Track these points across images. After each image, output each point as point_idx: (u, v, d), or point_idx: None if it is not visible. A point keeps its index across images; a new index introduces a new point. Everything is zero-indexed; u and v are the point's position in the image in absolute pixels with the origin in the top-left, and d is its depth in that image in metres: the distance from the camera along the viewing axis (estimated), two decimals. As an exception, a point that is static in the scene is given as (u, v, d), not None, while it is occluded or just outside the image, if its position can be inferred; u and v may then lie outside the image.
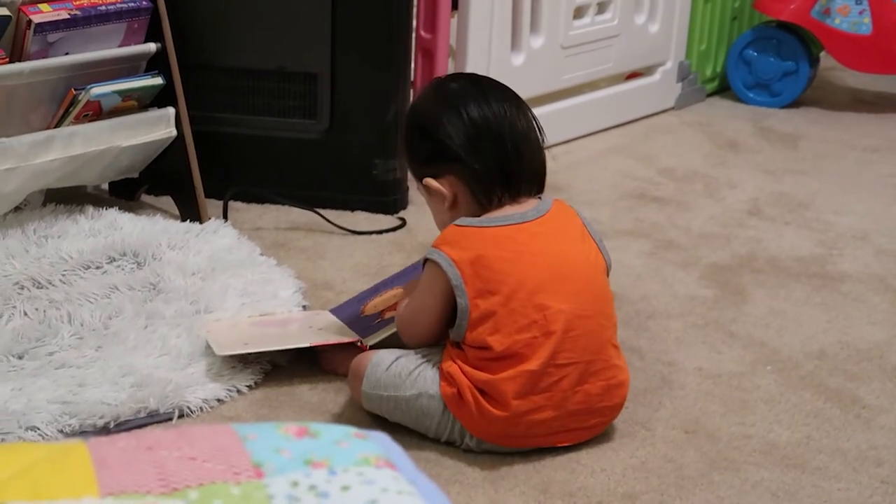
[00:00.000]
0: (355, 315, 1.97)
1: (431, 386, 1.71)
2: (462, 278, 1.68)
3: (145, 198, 2.57)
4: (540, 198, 1.78)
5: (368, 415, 1.79)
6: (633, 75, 3.38)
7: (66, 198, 2.45)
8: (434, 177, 1.77)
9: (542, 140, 1.79)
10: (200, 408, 1.79)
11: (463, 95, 1.77)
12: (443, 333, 1.76)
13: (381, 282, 2.05)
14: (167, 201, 2.53)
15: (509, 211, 1.74)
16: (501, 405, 1.67)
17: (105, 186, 2.58)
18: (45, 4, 2.21)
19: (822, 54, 3.58)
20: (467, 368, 1.69)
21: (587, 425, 1.73)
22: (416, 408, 1.72)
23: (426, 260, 1.74)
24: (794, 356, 2.04)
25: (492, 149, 1.74)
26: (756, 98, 3.54)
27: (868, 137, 3.32)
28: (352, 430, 0.89)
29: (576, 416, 1.71)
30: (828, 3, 3.40)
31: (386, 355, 1.76)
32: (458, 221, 1.73)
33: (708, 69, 3.58)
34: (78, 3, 2.25)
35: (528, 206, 1.75)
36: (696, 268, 2.39)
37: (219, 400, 1.82)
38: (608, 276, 1.79)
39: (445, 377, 1.70)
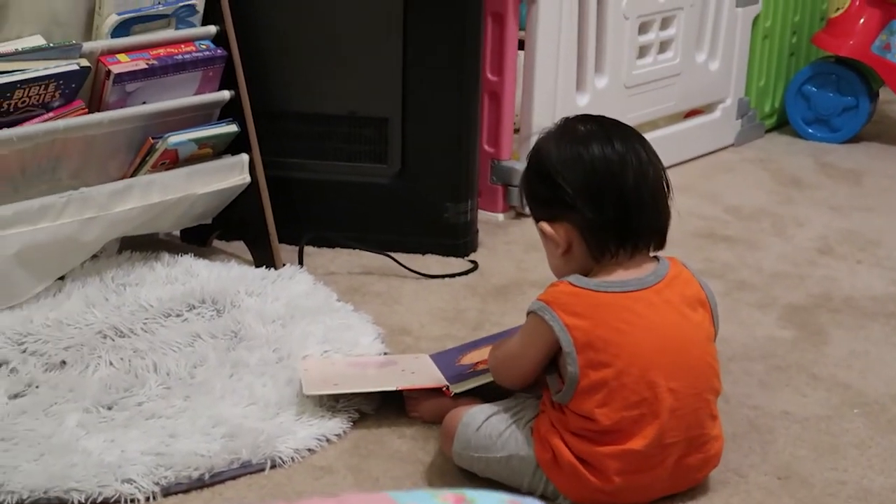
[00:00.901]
0: (451, 363, 1.97)
1: (523, 447, 1.69)
2: (574, 346, 1.63)
3: (217, 243, 2.58)
4: (657, 257, 1.74)
5: (456, 466, 1.78)
6: (691, 113, 3.38)
7: (141, 245, 2.46)
8: (550, 221, 1.71)
9: (669, 194, 1.73)
10: (292, 458, 1.79)
11: (588, 139, 1.70)
12: (534, 381, 1.74)
13: (485, 337, 2.05)
14: (238, 246, 2.54)
15: (626, 274, 1.68)
16: (603, 478, 1.65)
17: (177, 232, 2.59)
18: (124, 55, 2.23)
19: (881, 89, 3.58)
20: (567, 435, 1.66)
21: (682, 485, 1.72)
22: (508, 468, 1.71)
23: (531, 312, 1.69)
24: (880, 398, 2.03)
25: (611, 200, 1.66)
26: (816, 133, 3.53)
27: (933, 174, 3.31)
28: (506, 497, 0.89)
29: (673, 483, 1.70)
30: (888, 38, 3.39)
31: (476, 415, 1.74)
32: (573, 280, 1.68)
33: (767, 105, 3.58)
34: (155, 52, 2.27)
35: (646, 270, 1.70)
36: (772, 308, 2.38)
37: (309, 450, 1.81)
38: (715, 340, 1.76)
39: (541, 441, 1.68)
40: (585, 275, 1.69)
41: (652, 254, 1.74)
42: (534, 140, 1.80)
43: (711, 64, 3.29)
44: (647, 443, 1.63)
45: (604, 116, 1.79)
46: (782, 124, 3.65)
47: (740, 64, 3.39)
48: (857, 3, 3.42)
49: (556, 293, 1.68)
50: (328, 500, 0.86)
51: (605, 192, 1.67)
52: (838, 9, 3.48)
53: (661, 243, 1.73)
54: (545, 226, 1.72)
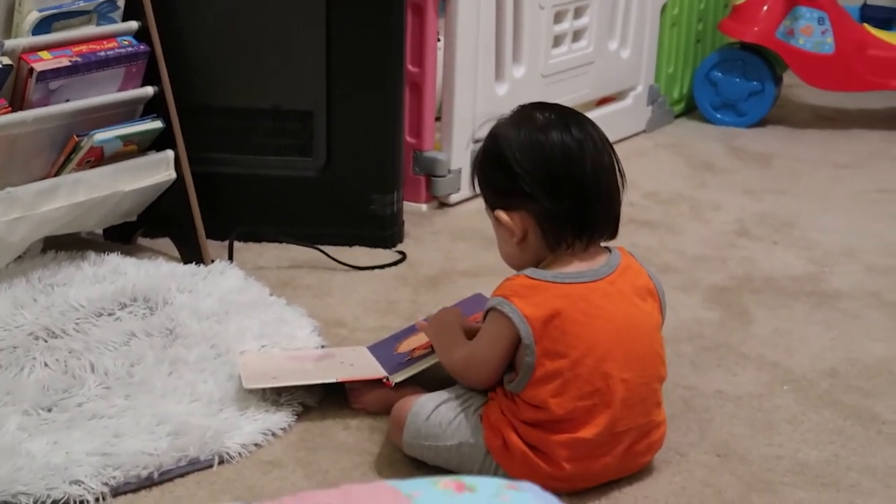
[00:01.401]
0: (389, 352, 1.98)
1: (472, 435, 1.71)
2: (533, 336, 1.64)
3: (142, 240, 2.56)
4: (608, 247, 1.75)
5: (405, 455, 1.80)
6: (603, 101, 3.42)
7: (65, 244, 2.43)
8: (506, 209, 1.71)
9: (623, 185, 1.74)
10: (239, 453, 1.79)
11: (546, 127, 1.69)
12: (497, 381, 1.74)
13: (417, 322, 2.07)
14: (164, 243, 2.52)
15: (581, 265, 1.70)
16: (553, 465, 1.67)
17: (99, 231, 2.57)
18: (46, 52, 2.20)
19: (785, 73, 3.66)
20: (518, 423, 1.68)
21: (630, 470, 1.76)
22: (458, 455, 1.73)
23: (491, 309, 1.69)
24: (808, 375, 2.09)
25: (569, 189, 1.67)
26: (723, 118, 3.61)
27: (837, 154, 3.40)
28: (504, 483, 0.91)
29: (621, 468, 1.74)
30: (791, 24, 3.48)
31: (425, 404, 1.76)
32: (529, 273, 1.68)
33: (675, 91, 3.64)
34: (77, 49, 2.24)
35: (599, 261, 1.71)
36: (696, 291, 2.43)
37: (256, 444, 1.82)
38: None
39: (491, 428, 1.70)
40: (538, 264, 1.72)
41: (603, 244, 1.76)
42: (485, 128, 1.79)
43: (623, 52, 3.34)
44: (598, 431, 1.66)
45: (558, 104, 1.78)
46: (691, 109, 3.72)
47: (650, 51, 3.44)
48: (761, -11, 3.50)
49: (513, 286, 1.69)
50: (332, 492, 0.87)
51: (564, 181, 1.67)
52: (743, -5, 3.56)
53: (614, 233, 1.75)
54: (501, 214, 1.72)
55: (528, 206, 1.69)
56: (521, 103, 1.79)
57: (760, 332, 2.25)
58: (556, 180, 1.67)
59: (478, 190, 1.79)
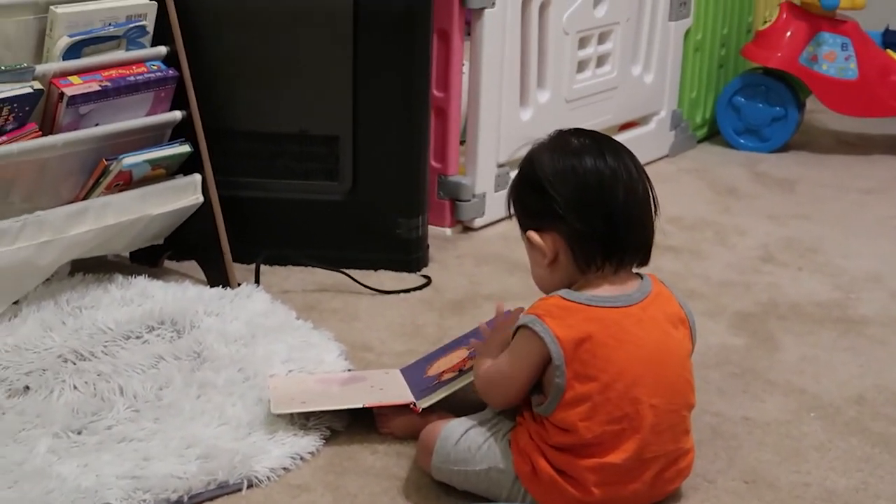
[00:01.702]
0: (420, 375, 1.99)
1: (502, 460, 1.71)
2: (564, 358, 1.65)
3: (168, 263, 2.58)
4: (640, 274, 1.76)
5: (433, 480, 1.80)
6: (626, 126, 3.43)
7: (92, 267, 2.44)
8: (538, 230, 1.73)
9: (656, 211, 1.75)
10: (268, 477, 1.79)
11: (581, 152, 1.70)
12: (523, 400, 1.75)
13: (450, 342, 2.07)
14: (190, 266, 2.54)
15: (613, 289, 1.70)
16: (582, 490, 1.67)
17: (126, 254, 2.58)
18: (76, 76, 2.22)
19: (808, 99, 3.67)
20: (546, 448, 1.68)
21: (659, 496, 1.75)
22: (487, 480, 1.73)
23: (522, 327, 1.70)
24: (835, 402, 2.09)
25: (600, 212, 1.68)
26: (746, 143, 3.62)
27: (860, 179, 3.39)
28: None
29: (650, 495, 1.73)
30: (815, 50, 3.48)
31: (455, 428, 1.76)
32: (563, 294, 1.69)
33: (698, 116, 3.65)
34: (107, 74, 2.26)
35: (631, 286, 1.72)
36: (722, 317, 2.43)
37: (285, 468, 1.82)
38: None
39: (519, 453, 1.70)
40: (569, 287, 1.72)
41: (634, 270, 1.76)
42: (518, 153, 1.84)
43: (646, 77, 3.35)
44: (626, 457, 1.66)
45: (595, 131, 1.81)
46: (713, 135, 3.72)
47: (673, 76, 3.45)
48: (785, 15, 3.51)
49: (546, 306, 1.70)
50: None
51: (595, 205, 1.68)
52: (766, 21, 3.57)
53: (645, 259, 1.76)
54: (533, 235, 1.73)
55: (559, 228, 1.71)
56: (559, 128, 1.81)
57: (787, 359, 2.25)
58: (587, 204, 1.68)
59: (512, 212, 1.81)
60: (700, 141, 3.68)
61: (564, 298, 1.69)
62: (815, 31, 3.48)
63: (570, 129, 1.79)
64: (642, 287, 1.74)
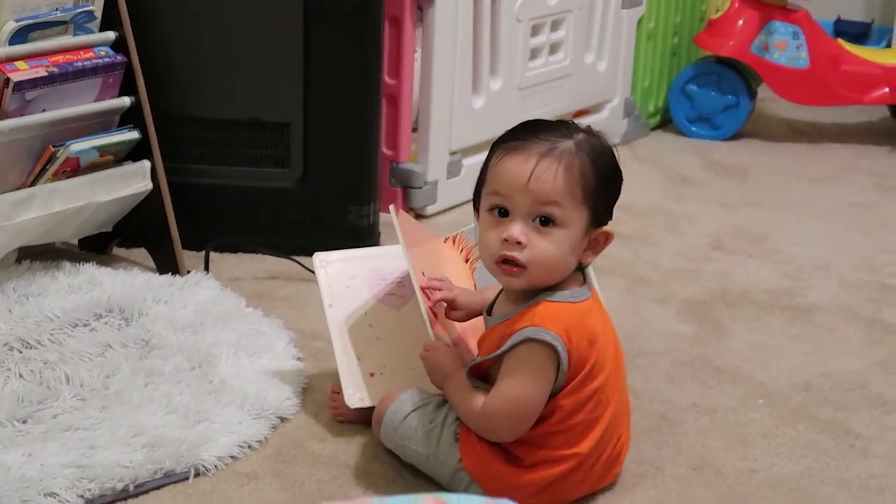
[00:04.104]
0: None
1: (443, 451, 1.71)
2: (569, 361, 1.64)
3: (117, 251, 2.56)
4: None
5: (381, 466, 1.80)
6: (578, 113, 3.43)
7: (40, 254, 2.43)
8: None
9: None
10: (215, 465, 1.79)
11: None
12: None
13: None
14: (140, 254, 2.52)
15: (575, 282, 1.71)
16: (537, 482, 1.68)
17: (75, 241, 2.56)
18: (22, 62, 2.19)
19: (759, 87, 3.69)
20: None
21: (603, 483, 1.77)
22: (428, 464, 1.74)
23: (526, 341, 1.64)
24: (782, 389, 2.10)
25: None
26: (698, 132, 3.63)
27: (811, 167, 3.42)
28: (482, 499, 0.91)
29: (597, 482, 1.75)
30: (767, 39, 3.50)
31: (404, 403, 1.76)
32: (550, 297, 1.66)
33: (651, 104, 3.66)
34: (54, 59, 2.23)
35: (577, 275, 1.73)
36: (672, 303, 2.44)
37: (232, 457, 1.81)
38: None
39: (471, 452, 1.70)
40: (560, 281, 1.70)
41: None
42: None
43: (599, 65, 3.35)
44: (593, 445, 1.68)
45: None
46: (666, 122, 3.73)
47: (626, 64, 3.46)
48: (737, 4, 3.52)
49: (544, 313, 1.65)
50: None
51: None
52: (718, 10, 3.58)
53: None
54: (610, 231, 1.72)
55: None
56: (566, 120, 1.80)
57: (735, 346, 2.26)
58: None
59: (581, 202, 1.67)
60: (653, 129, 3.69)
61: (553, 301, 1.67)
62: (767, 20, 3.50)
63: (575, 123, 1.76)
64: (585, 277, 1.75)
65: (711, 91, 3.59)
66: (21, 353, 2.05)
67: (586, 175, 1.66)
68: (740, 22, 3.51)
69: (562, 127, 1.71)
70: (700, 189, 3.19)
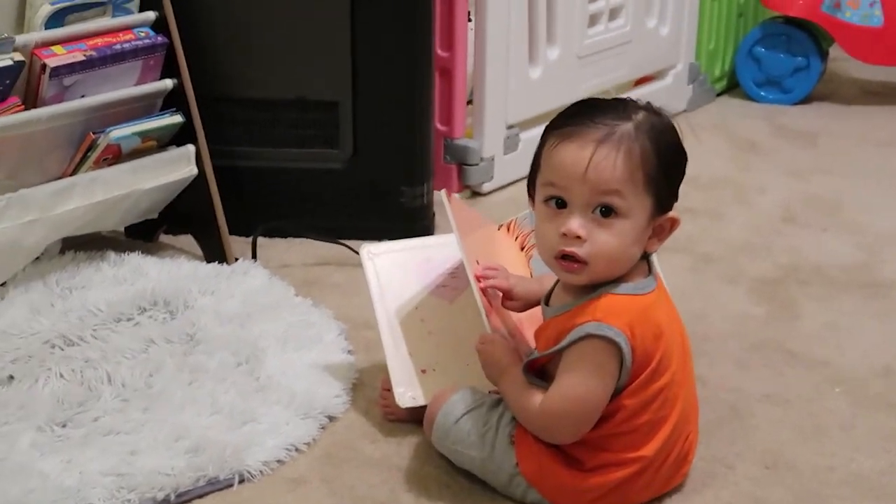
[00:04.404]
0: None
1: (499, 455, 1.62)
2: (633, 358, 1.53)
3: (164, 238, 2.48)
4: None
5: (434, 469, 1.71)
6: (641, 80, 3.30)
7: (84, 244, 2.35)
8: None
9: None
10: (261, 471, 1.70)
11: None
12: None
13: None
14: (187, 241, 2.44)
15: (640, 272, 1.60)
16: (598, 483, 1.59)
17: (121, 229, 2.49)
18: (59, 46, 2.12)
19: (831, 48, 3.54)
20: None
21: (672, 484, 1.67)
22: (482, 470, 1.64)
23: (588, 337, 1.53)
24: (860, 374, 1.98)
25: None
26: (767, 96, 3.49)
27: (881, 130, 3.27)
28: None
29: (665, 483, 1.65)
30: (838, -4, 3.35)
31: (456, 405, 1.66)
32: (613, 290, 1.55)
33: (717, 69, 3.52)
34: (92, 42, 2.16)
35: (642, 265, 1.62)
36: (741, 282, 2.32)
37: (279, 461, 1.73)
38: None
39: (527, 453, 1.61)
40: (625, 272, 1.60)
41: None
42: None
43: (662, 29, 3.22)
44: (659, 447, 1.58)
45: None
46: (733, 87, 3.59)
47: (690, 28, 3.32)
48: (805, -39, 3.37)
49: (607, 307, 1.54)
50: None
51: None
52: (786, -33, 3.43)
53: None
54: (676, 217, 1.60)
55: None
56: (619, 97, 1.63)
57: (808, 328, 2.15)
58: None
59: (643, 189, 1.55)
60: (719, 94, 3.55)
61: (615, 294, 1.56)
62: (839, -23, 3.35)
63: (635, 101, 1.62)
64: (651, 267, 1.63)
65: (780, 53, 3.44)
66: (63, 350, 1.98)
67: (648, 159, 1.54)
68: (810, -21, 3.37)
69: (619, 107, 1.58)
70: (769, 156, 3.06)
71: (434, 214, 2.55)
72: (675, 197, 1.60)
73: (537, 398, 1.58)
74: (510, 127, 2.77)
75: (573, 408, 1.55)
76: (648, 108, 1.59)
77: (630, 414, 1.56)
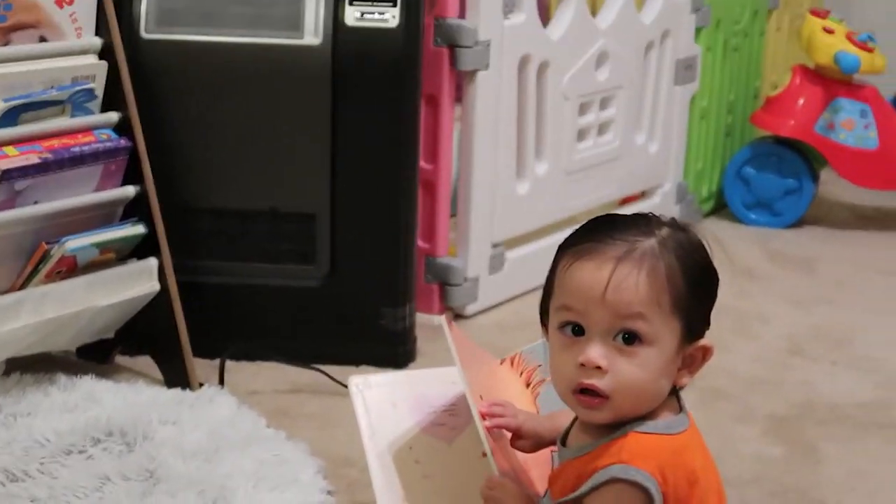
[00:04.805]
0: None
1: None
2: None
3: (120, 359, 2.27)
4: None
5: None
6: (626, 200, 3.15)
7: (31, 365, 2.14)
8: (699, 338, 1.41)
9: None
10: None
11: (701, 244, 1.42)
12: None
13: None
14: (146, 363, 2.23)
15: (670, 410, 1.40)
16: None
17: (73, 348, 2.27)
18: (11, 147, 1.94)
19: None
20: None
21: None
22: None
23: (612, 481, 1.33)
24: (897, 528, 1.80)
25: None
26: (757, 219, 3.34)
27: (884, 259, 3.13)
28: None
29: None
30: (832, 117, 3.22)
31: None
32: (641, 429, 1.35)
33: (704, 189, 3.38)
34: (48, 144, 1.98)
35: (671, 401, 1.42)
36: (754, 420, 2.14)
37: None
38: None
39: None
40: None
41: None
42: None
43: (651, 146, 3.08)
44: None
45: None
46: (720, 208, 3.45)
47: (679, 146, 3.18)
48: (798, 80, 3.26)
49: (634, 448, 1.34)
50: None
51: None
52: (776, 87, 3.32)
53: None
54: (706, 343, 1.41)
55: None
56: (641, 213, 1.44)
57: (833, 475, 1.96)
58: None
59: (671, 312, 1.37)
60: (706, 215, 3.41)
61: (646, 433, 1.35)
62: (832, 97, 3.23)
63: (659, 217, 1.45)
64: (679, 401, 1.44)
65: (770, 174, 3.31)
66: (5, 486, 1.76)
67: (674, 279, 1.35)
68: (802, 100, 3.24)
69: (640, 222, 1.40)
70: (767, 283, 2.90)
71: (416, 339, 2.35)
72: (706, 322, 1.41)
73: None
74: (496, 245, 2.60)
75: None
76: (673, 223, 1.41)
77: None
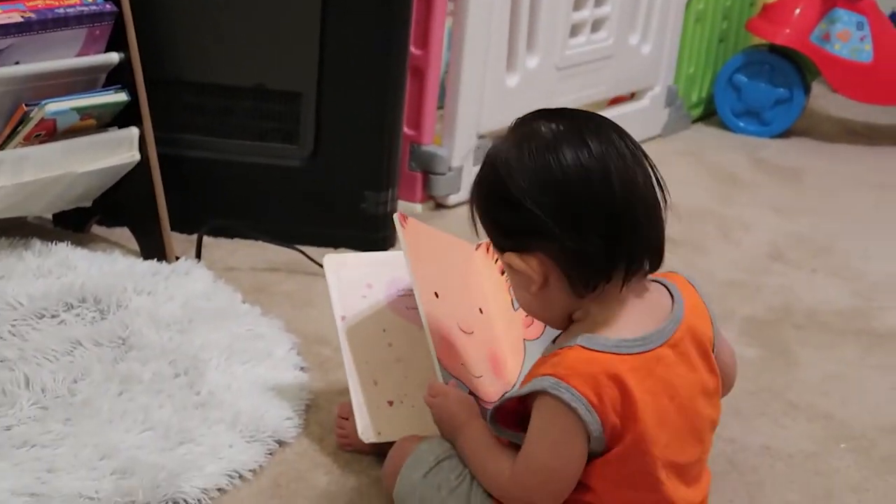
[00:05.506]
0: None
1: None
2: (602, 428, 1.28)
3: (96, 229, 2.25)
4: (664, 283, 1.39)
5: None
6: (615, 100, 3.12)
7: (6, 229, 2.12)
8: (518, 252, 1.33)
9: (665, 201, 1.35)
10: (198, 500, 1.47)
11: (557, 143, 1.30)
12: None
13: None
14: (123, 234, 2.22)
15: (638, 321, 1.33)
16: None
17: (48, 216, 2.25)
18: (-7, 4, 1.89)
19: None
20: None
21: None
22: None
23: (542, 393, 1.29)
24: (868, 432, 1.79)
25: (595, 221, 1.29)
26: (746, 127, 3.32)
27: (872, 172, 3.11)
28: None
29: None
30: (828, 28, 3.19)
31: (425, 455, 1.42)
32: (584, 343, 1.30)
33: (694, 94, 3.34)
34: (32, 4, 1.93)
35: (659, 310, 1.35)
36: (732, 322, 2.12)
37: (219, 489, 1.50)
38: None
39: None
40: (570, 314, 1.36)
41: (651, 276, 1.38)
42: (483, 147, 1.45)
43: (644, 47, 3.03)
44: None
45: (568, 109, 1.40)
46: (708, 115, 3.42)
47: (671, 48, 3.14)
48: (796, -12, 3.21)
49: (570, 362, 1.29)
50: None
51: (588, 212, 1.29)
52: (774, -7, 3.28)
53: (657, 263, 1.36)
54: (514, 259, 1.33)
55: (546, 247, 1.31)
56: (519, 116, 1.39)
57: (808, 377, 1.95)
58: (576, 213, 1.29)
59: (479, 229, 1.40)
60: (694, 121, 3.38)
61: (587, 348, 1.30)
62: (829, 7, 3.19)
63: (535, 113, 1.38)
64: (675, 312, 1.35)
65: (762, 83, 3.27)
66: (-25, 348, 1.74)
67: (476, 203, 1.40)
68: (798, 9, 3.20)
69: None
70: (751, 191, 2.88)
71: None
72: (511, 241, 1.35)
73: (504, 463, 1.35)
74: (481, 136, 2.57)
75: (545, 479, 1.32)
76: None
77: (612, 485, 1.33)
